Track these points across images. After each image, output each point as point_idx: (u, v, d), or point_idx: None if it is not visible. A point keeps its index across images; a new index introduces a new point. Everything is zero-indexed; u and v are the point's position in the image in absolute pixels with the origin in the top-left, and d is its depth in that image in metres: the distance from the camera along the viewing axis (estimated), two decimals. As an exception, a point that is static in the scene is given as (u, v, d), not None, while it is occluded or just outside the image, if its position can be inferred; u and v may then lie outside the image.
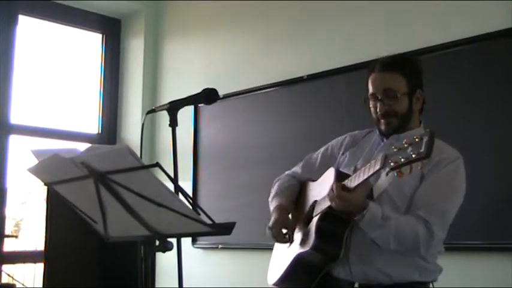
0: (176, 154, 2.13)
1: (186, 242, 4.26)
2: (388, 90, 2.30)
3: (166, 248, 1.74)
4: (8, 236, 4.48)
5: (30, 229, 5.12)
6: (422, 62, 2.42)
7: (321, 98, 3.83)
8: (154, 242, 1.75)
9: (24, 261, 4.54)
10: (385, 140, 2.36)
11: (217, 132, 4.45)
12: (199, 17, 4.77)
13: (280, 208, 2.50)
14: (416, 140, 1.84)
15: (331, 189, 2.13)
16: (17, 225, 5.10)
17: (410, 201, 2.21)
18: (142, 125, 2.34)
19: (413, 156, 1.82)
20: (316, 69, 3.86)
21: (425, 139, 1.82)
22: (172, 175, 1.80)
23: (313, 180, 2.53)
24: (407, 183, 2.20)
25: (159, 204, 1.56)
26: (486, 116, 3.11)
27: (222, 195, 4.29)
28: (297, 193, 2.60)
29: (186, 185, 4.39)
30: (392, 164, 1.89)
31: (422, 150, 1.80)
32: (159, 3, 5.07)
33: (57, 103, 4.91)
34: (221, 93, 2.34)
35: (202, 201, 4.34)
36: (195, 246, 4.39)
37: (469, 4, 3.24)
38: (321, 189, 2.38)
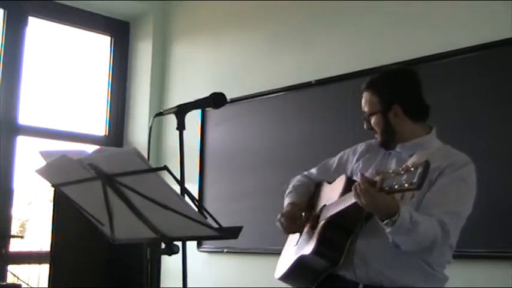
0: (183, 158, 2.13)
1: (191, 245, 4.26)
2: (364, 111, 2.42)
3: (172, 251, 1.74)
4: (14, 237, 4.48)
5: (35, 230, 5.13)
6: (415, 72, 2.42)
7: (328, 104, 3.83)
8: (160, 245, 1.76)
9: (29, 262, 4.55)
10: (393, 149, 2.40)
11: (224, 136, 4.45)
12: (208, 20, 4.77)
13: (292, 204, 2.55)
14: (412, 169, 1.85)
15: (358, 183, 2.05)
16: (22, 225, 5.11)
17: (418, 204, 2.18)
18: (150, 127, 2.34)
19: (406, 185, 1.86)
20: (324, 74, 3.86)
21: (419, 170, 1.83)
22: (178, 178, 1.80)
23: (329, 183, 2.55)
24: None
25: (166, 207, 1.56)
26: (489, 124, 3.10)
27: (228, 199, 4.29)
28: (311, 193, 2.63)
29: (192, 188, 4.39)
30: (386, 188, 1.93)
31: (414, 181, 1.83)
32: (167, 5, 5.09)
33: (65, 105, 4.92)
34: (229, 97, 2.33)
35: (208, 205, 4.33)
36: (200, 250, 4.39)
37: (475, 12, 3.23)
38: (330, 195, 2.40)
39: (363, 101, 2.43)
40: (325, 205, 2.42)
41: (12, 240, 4.41)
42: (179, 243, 1.78)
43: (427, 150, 2.29)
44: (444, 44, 3.31)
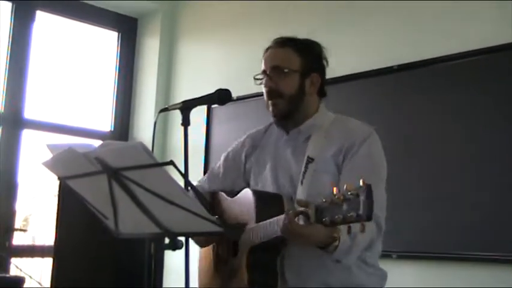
0: (187, 153, 2.12)
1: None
2: (276, 67, 2.20)
3: (176, 246, 1.73)
4: (17, 230, 4.50)
5: (39, 224, 5.14)
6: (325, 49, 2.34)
7: (335, 104, 3.79)
8: (164, 240, 1.75)
9: (32, 255, 4.57)
10: (285, 136, 2.25)
11: (229, 134, 4.43)
12: (216, 18, 4.77)
13: None
14: (351, 195, 1.58)
15: (285, 222, 1.83)
16: (26, 219, 5.12)
17: None
18: (155, 123, 2.34)
19: (352, 218, 1.58)
20: (331, 74, 3.84)
21: (362, 198, 1.55)
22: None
23: (228, 194, 2.34)
24: (325, 181, 2.04)
25: (172, 202, 1.56)
26: (491, 127, 3.09)
27: (231, 197, 4.28)
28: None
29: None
30: (327, 222, 1.67)
31: (361, 212, 1.55)
32: (175, 3, 5.09)
33: (71, 99, 4.93)
34: (236, 94, 2.34)
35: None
36: (203, 246, 4.38)
37: (487, 14, 3.23)
38: (241, 212, 2.18)
39: (276, 55, 2.22)
40: (244, 224, 2.14)
41: (15, 233, 4.43)
42: (183, 239, 1.79)
43: (322, 129, 2.19)
44: (455, 45, 3.30)
